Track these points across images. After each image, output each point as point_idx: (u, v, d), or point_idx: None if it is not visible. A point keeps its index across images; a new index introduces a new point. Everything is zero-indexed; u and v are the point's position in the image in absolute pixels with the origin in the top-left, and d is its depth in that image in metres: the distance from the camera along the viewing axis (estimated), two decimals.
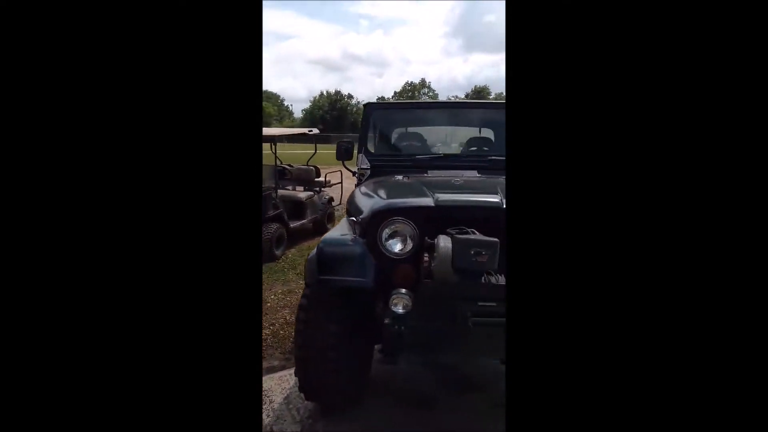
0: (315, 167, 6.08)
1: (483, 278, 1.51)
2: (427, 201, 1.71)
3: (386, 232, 1.64)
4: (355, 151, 2.85)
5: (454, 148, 3.43)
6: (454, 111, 3.07)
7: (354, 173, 2.84)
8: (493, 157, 2.54)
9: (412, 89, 57.49)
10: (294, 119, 58.62)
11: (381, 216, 1.66)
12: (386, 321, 1.54)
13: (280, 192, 4.86)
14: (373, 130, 2.90)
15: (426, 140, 3.03)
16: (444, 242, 1.51)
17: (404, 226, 1.63)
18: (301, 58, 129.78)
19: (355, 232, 1.80)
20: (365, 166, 2.75)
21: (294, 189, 5.74)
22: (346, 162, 2.91)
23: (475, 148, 2.97)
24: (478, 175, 2.37)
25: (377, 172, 2.68)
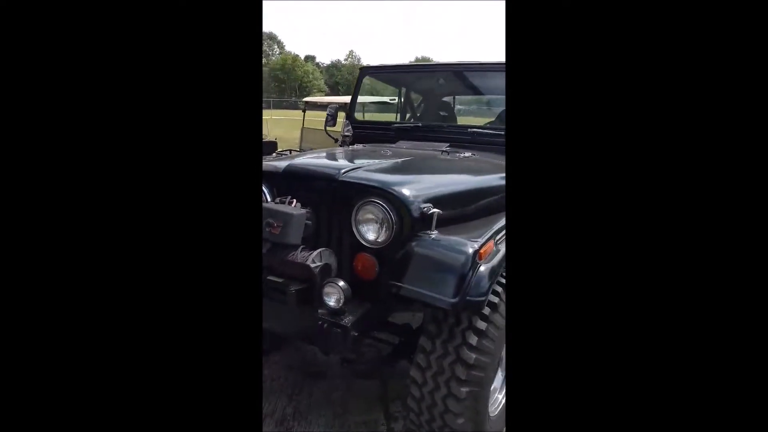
0: (273, 141, 5.93)
1: (287, 252, 1.40)
2: (283, 166, 1.65)
3: None
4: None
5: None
6: (451, 75, 2.79)
7: (336, 140, 2.76)
8: (473, 130, 2.42)
9: None
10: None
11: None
12: None
13: None
14: (364, 95, 2.82)
15: (423, 106, 2.93)
16: None
17: (264, 190, 1.61)
18: None
19: None
20: (348, 134, 2.68)
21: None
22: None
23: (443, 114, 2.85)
24: (444, 148, 2.22)
25: (360, 140, 2.60)
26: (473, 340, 1.29)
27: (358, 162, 1.83)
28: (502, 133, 2.34)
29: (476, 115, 3.48)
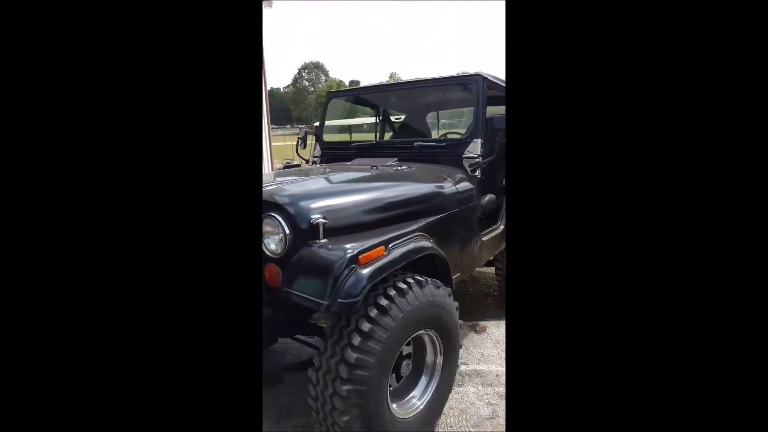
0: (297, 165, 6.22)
1: None
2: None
3: None
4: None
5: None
6: (405, 93, 2.89)
7: (307, 161, 2.95)
8: (419, 143, 2.50)
9: None
10: None
11: None
12: None
13: None
14: (331, 118, 3.00)
15: (381, 124, 3.07)
16: None
17: None
18: None
19: None
20: (317, 155, 2.86)
21: None
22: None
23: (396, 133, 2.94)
24: (391, 162, 2.35)
25: (326, 160, 2.79)
26: (356, 340, 1.37)
27: (289, 179, 1.99)
28: (444, 144, 2.43)
29: (457, 127, 3.55)
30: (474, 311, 3.06)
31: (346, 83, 57.75)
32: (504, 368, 2.29)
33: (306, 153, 3.01)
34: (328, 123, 2.92)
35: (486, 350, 2.50)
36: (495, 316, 2.95)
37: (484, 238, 2.40)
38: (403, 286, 1.52)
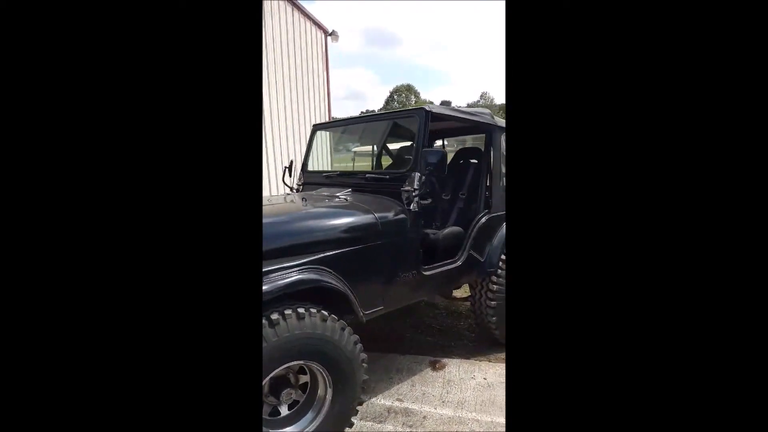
0: None
1: None
2: None
3: None
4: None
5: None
6: (367, 126, 3.02)
7: (292, 189, 3.15)
8: (369, 175, 2.56)
9: None
10: None
11: None
12: None
13: None
14: (316, 148, 3.18)
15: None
16: None
17: None
18: None
19: None
20: (300, 182, 3.05)
21: None
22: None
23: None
24: (344, 192, 2.44)
25: (305, 188, 2.95)
26: None
27: None
28: (387, 177, 2.45)
29: None
30: (442, 347, 2.94)
31: (436, 103, 58.27)
32: (437, 410, 2.20)
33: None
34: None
35: (431, 389, 2.41)
36: (462, 355, 2.81)
37: (428, 273, 2.34)
38: (275, 317, 1.59)
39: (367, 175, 2.55)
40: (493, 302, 2.70)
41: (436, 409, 2.22)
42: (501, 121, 2.84)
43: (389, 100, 60.81)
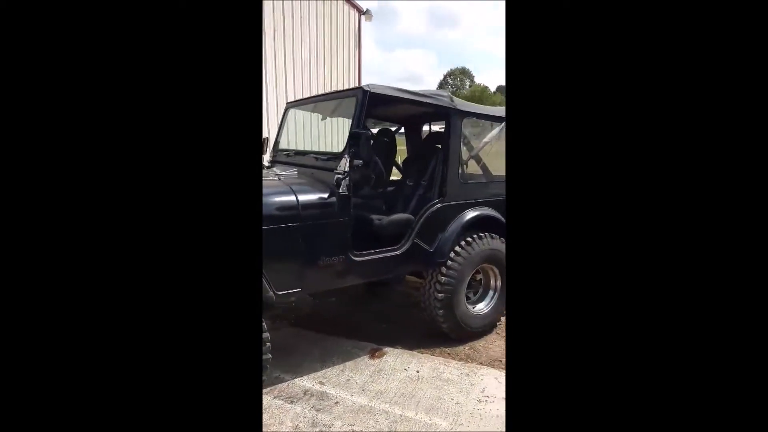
0: None
1: None
2: None
3: None
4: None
5: None
6: (324, 105, 2.95)
7: (265, 167, 3.18)
8: (313, 155, 2.53)
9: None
10: None
11: None
12: None
13: None
14: (287, 127, 3.18)
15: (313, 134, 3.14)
16: None
17: None
18: None
19: None
20: (270, 160, 3.07)
21: None
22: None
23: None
24: (289, 171, 2.43)
25: (273, 165, 2.97)
26: None
27: None
28: (325, 158, 2.39)
29: None
30: (392, 336, 2.88)
31: (492, 89, 56.32)
32: (352, 397, 2.17)
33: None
34: None
35: (358, 376, 2.37)
36: (408, 346, 2.74)
37: (359, 258, 2.29)
38: None
39: (312, 156, 2.52)
40: (440, 294, 2.60)
41: (352, 396, 2.19)
42: (464, 105, 2.67)
43: (443, 84, 59.44)
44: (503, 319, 3.06)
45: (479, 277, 2.95)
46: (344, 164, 2.16)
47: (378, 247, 2.42)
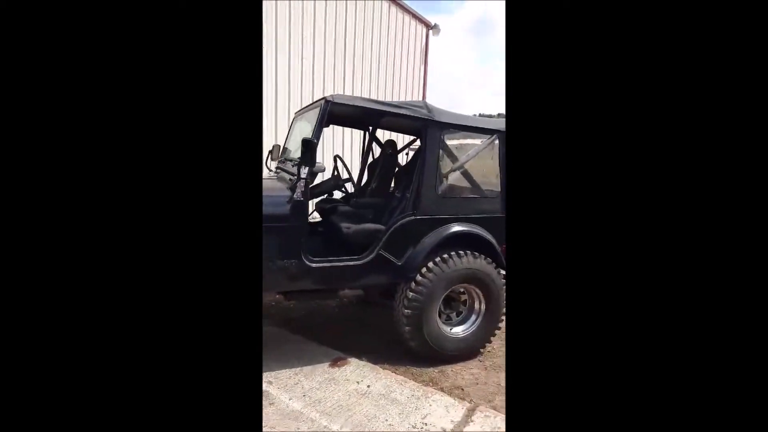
0: None
1: None
2: None
3: None
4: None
5: None
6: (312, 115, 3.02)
7: (270, 172, 3.36)
8: (288, 160, 2.59)
9: None
10: None
11: None
12: None
13: None
14: (293, 134, 3.34)
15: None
16: None
17: None
18: None
19: None
20: (273, 168, 3.24)
21: None
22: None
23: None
24: (268, 177, 2.53)
25: (279, 172, 3.14)
26: None
27: None
28: (292, 165, 2.47)
29: None
30: (364, 347, 2.83)
31: None
32: (290, 401, 2.18)
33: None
34: None
35: (307, 382, 2.38)
36: (373, 360, 2.67)
37: (314, 264, 2.31)
38: None
39: (287, 163, 2.63)
40: (407, 311, 2.51)
41: (290, 399, 2.20)
42: (445, 116, 2.57)
43: None
44: (496, 347, 2.84)
45: (464, 298, 2.79)
46: (301, 172, 2.22)
47: (340, 255, 2.42)
